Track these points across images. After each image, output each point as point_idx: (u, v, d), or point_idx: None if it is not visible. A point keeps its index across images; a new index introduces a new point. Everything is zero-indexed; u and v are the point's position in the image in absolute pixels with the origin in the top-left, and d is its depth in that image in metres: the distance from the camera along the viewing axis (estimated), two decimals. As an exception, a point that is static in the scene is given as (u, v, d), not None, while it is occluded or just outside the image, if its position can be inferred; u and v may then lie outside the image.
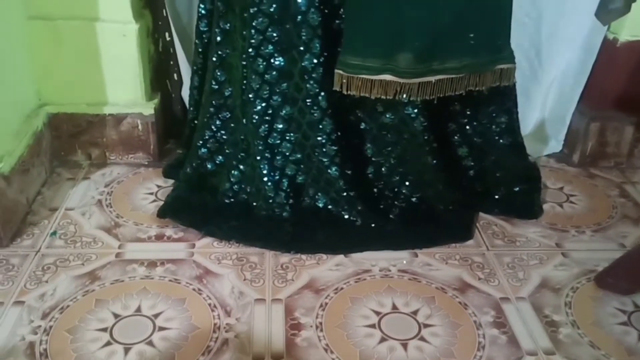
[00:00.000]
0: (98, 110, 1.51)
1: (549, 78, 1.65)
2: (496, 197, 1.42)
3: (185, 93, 1.60)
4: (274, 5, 1.18)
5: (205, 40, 1.38)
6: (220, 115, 1.35)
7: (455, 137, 1.40)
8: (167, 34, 1.57)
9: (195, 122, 1.45)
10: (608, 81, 1.58)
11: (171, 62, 1.60)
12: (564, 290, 1.17)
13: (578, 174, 1.61)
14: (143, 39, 1.48)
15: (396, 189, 1.36)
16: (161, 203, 1.38)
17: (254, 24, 1.20)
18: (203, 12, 1.35)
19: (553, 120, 1.71)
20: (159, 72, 1.61)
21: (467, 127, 1.39)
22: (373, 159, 1.34)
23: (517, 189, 1.42)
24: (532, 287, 1.18)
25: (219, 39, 1.30)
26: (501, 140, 1.39)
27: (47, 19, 1.41)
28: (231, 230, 1.29)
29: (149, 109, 1.52)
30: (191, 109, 1.49)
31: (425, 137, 1.28)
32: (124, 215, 1.35)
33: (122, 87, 1.50)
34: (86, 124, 1.52)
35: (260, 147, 1.29)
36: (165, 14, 1.52)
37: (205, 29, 1.37)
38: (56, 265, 1.19)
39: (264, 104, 1.26)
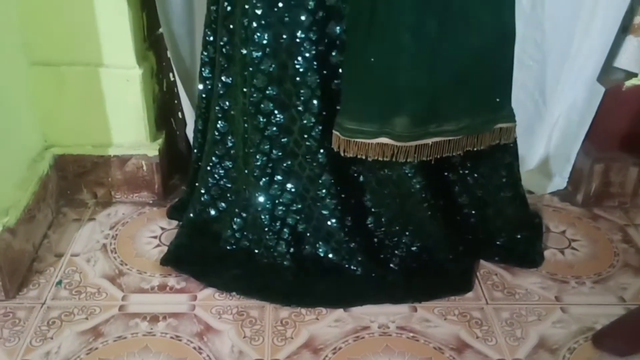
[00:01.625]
0: (103, 151, 1.52)
1: (553, 116, 1.63)
2: (497, 243, 1.43)
3: (190, 131, 1.61)
4: (273, 66, 1.18)
5: (209, 87, 1.38)
6: (223, 164, 1.37)
7: (456, 188, 1.40)
8: (171, 75, 1.58)
9: (200, 163, 1.46)
10: (613, 123, 1.57)
11: (175, 101, 1.62)
12: (561, 351, 1.18)
13: (581, 215, 1.60)
14: (147, 82, 1.49)
15: (396, 239, 1.36)
16: (165, 248, 1.40)
17: (254, 82, 1.20)
18: (206, 59, 1.36)
19: (558, 157, 1.70)
20: (164, 110, 1.62)
21: (468, 178, 1.38)
22: (373, 209, 1.35)
23: (518, 236, 1.43)
24: (530, 347, 1.18)
25: (221, 91, 1.31)
26: (502, 193, 1.38)
27: (50, 64, 1.42)
28: (232, 280, 1.31)
29: (153, 150, 1.54)
30: (195, 150, 1.50)
31: (423, 195, 1.28)
32: (128, 262, 1.38)
33: (126, 130, 1.51)
34: (91, 165, 1.54)
35: (261, 199, 1.30)
36: (168, 55, 1.53)
37: (208, 75, 1.37)
38: (61, 319, 1.21)
39: (264, 158, 1.27)
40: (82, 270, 1.35)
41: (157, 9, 1.44)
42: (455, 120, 1.18)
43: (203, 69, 1.37)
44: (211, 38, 1.33)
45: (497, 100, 1.22)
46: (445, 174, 1.39)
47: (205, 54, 1.35)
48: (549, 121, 1.65)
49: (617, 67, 1.37)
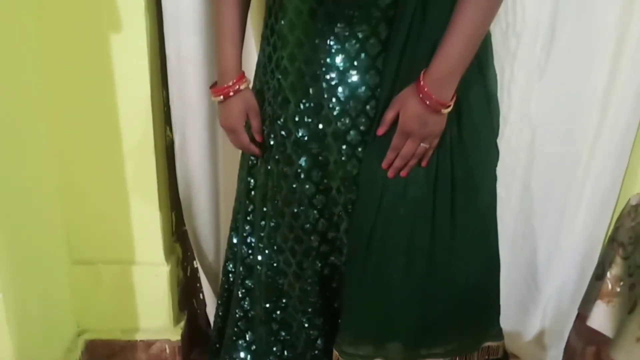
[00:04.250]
0: (130, 336, 1.67)
1: (545, 297, 1.76)
2: None
3: (209, 310, 1.75)
4: (283, 284, 1.33)
5: (231, 279, 1.53)
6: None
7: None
8: (194, 262, 1.74)
9: (217, 346, 1.58)
10: (602, 306, 1.69)
11: (197, 285, 1.78)
12: None
13: (576, 396, 1.69)
14: (173, 274, 1.65)
15: None
16: None
17: (267, 294, 1.35)
18: (230, 256, 1.50)
19: (552, 332, 1.80)
20: (187, 292, 1.78)
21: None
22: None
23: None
24: None
25: (240, 294, 1.45)
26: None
27: (88, 263, 1.59)
28: None
29: (176, 334, 1.68)
30: (215, 333, 1.62)
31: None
32: None
33: (152, 316, 1.66)
34: (119, 348, 1.67)
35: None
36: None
37: (231, 269, 1.52)
38: None
39: (271, 357, 1.40)
40: None
41: (183, 211, 1.63)
42: (444, 344, 1.28)
43: (227, 264, 1.52)
44: (235, 240, 1.49)
45: (486, 322, 1.32)
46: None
47: (230, 251, 1.50)
48: (542, 301, 1.77)
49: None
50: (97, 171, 1.54)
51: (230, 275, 1.53)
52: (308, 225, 1.25)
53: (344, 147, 1.15)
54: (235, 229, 1.49)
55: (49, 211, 1.50)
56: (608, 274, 1.38)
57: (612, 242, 1.40)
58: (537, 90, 1.49)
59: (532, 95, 1.48)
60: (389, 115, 1.06)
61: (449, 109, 1.04)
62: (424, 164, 1.09)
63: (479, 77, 1.12)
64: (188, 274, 1.78)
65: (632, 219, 1.35)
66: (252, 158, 1.34)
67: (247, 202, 1.39)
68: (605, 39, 1.43)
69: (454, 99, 1.04)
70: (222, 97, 1.23)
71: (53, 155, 1.49)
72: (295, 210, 1.25)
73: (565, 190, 1.61)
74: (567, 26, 1.42)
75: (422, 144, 1.06)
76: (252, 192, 1.38)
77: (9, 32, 1.27)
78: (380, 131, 1.08)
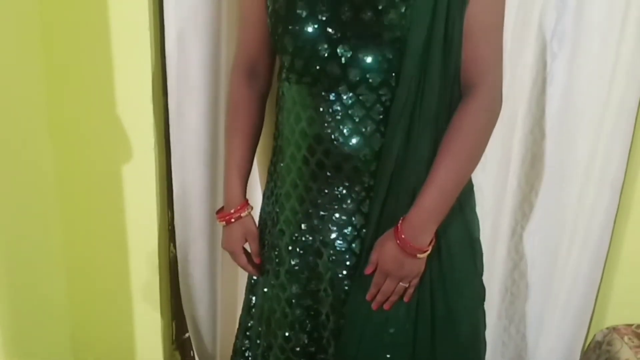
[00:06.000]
0: None
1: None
2: None
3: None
4: None
5: None
6: None
7: None
8: (193, 369, 1.83)
9: None
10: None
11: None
12: None
13: None
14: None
15: None
16: None
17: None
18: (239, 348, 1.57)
19: None
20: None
21: None
22: None
23: None
24: None
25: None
26: None
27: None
28: None
29: None
30: None
31: None
32: None
33: None
34: None
35: None
36: (192, 355, 1.79)
37: None
38: None
39: None
40: None
41: (187, 320, 1.73)
42: None
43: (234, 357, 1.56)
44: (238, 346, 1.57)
45: None
46: None
47: (235, 357, 1.54)
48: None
49: None
50: (104, 284, 1.65)
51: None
52: (298, 349, 1.35)
53: (332, 279, 1.26)
54: (239, 337, 1.58)
55: (57, 321, 1.60)
56: (577, 407, 1.46)
57: (580, 374, 1.49)
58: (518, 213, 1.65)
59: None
60: (374, 257, 1.18)
61: (426, 254, 1.14)
62: (405, 299, 1.19)
63: (459, 217, 1.21)
64: (189, 383, 1.86)
65: (597, 356, 1.44)
66: (254, 277, 1.45)
67: (248, 317, 1.49)
68: (577, 162, 1.58)
69: (432, 244, 1.15)
70: (224, 222, 1.35)
71: (63, 267, 1.60)
72: (287, 334, 1.34)
73: (543, 299, 1.73)
74: (547, 154, 1.59)
75: (401, 283, 1.16)
76: (253, 309, 1.48)
77: (26, 162, 1.42)
78: (368, 271, 1.19)
